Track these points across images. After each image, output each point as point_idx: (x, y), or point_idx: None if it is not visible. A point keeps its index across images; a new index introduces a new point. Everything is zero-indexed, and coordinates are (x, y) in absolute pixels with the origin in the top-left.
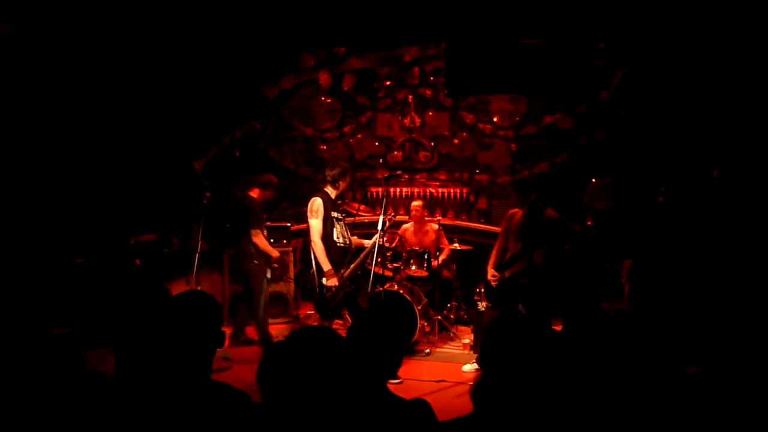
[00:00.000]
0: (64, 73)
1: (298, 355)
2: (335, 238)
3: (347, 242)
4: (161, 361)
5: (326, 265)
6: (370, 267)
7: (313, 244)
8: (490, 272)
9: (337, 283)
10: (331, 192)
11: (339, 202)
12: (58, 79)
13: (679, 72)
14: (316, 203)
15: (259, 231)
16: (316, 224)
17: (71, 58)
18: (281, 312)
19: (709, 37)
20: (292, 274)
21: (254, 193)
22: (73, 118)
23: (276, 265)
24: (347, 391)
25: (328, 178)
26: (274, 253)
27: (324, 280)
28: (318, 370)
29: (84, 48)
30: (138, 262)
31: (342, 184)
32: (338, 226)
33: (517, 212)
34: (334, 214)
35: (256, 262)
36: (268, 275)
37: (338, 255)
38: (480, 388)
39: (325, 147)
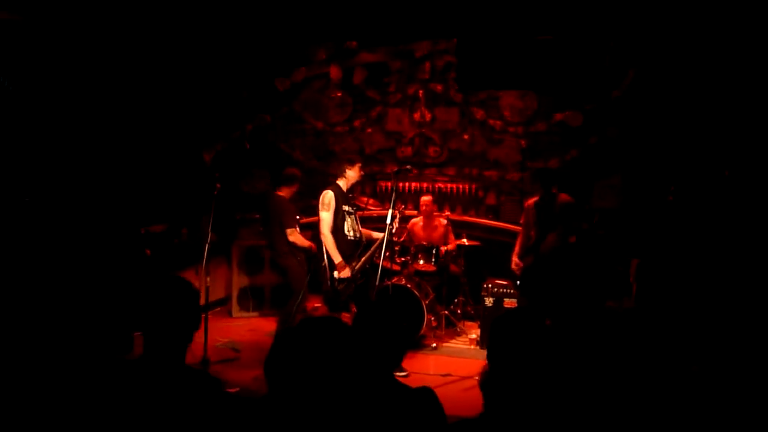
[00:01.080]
0: (77, 64)
1: (305, 344)
2: (346, 231)
3: (358, 235)
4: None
5: (337, 258)
6: (378, 261)
7: (323, 236)
8: (514, 261)
9: (349, 274)
10: (343, 185)
11: (351, 195)
12: (72, 71)
13: (691, 71)
14: (328, 196)
15: (294, 229)
16: (326, 217)
17: (83, 50)
18: (257, 305)
19: (721, 37)
20: None
21: (283, 192)
22: (85, 109)
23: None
24: (354, 379)
25: (339, 170)
26: (312, 245)
27: (336, 273)
28: (325, 359)
29: (96, 40)
30: (149, 252)
31: (353, 176)
32: (349, 220)
33: (532, 201)
34: (346, 208)
35: (298, 258)
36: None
37: (349, 248)
38: (488, 381)
39: (334, 141)
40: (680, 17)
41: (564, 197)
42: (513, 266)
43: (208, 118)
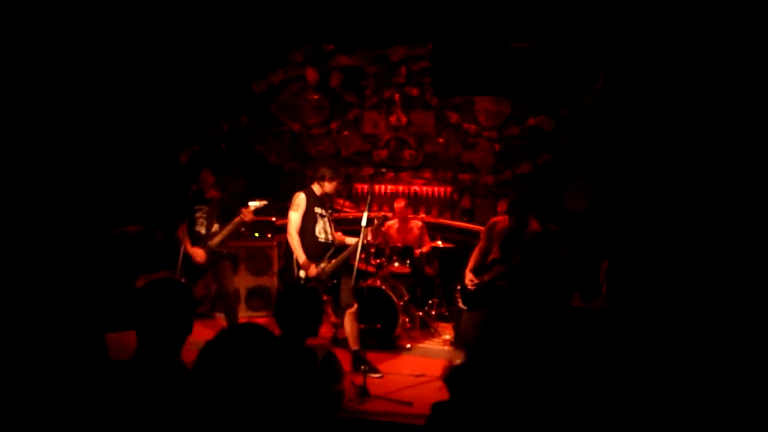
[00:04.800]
0: (51, 63)
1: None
2: (317, 233)
3: (330, 238)
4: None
5: (301, 257)
6: (353, 263)
7: (288, 236)
8: (469, 276)
9: (313, 273)
10: (317, 189)
11: (326, 198)
12: (45, 70)
13: (658, 78)
14: (298, 198)
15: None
16: (293, 217)
17: (57, 49)
18: (264, 305)
19: (687, 46)
20: (276, 268)
21: None
22: (59, 108)
23: None
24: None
25: (318, 175)
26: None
27: (300, 271)
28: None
29: (70, 39)
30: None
31: (329, 187)
32: (321, 222)
33: (500, 221)
34: (318, 210)
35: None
36: None
37: (318, 249)
38: (457, 375)
39: (311, 143)
40: (650, 24)
41: (534, 226)
42: (467, 281)
43: (185, 118)
